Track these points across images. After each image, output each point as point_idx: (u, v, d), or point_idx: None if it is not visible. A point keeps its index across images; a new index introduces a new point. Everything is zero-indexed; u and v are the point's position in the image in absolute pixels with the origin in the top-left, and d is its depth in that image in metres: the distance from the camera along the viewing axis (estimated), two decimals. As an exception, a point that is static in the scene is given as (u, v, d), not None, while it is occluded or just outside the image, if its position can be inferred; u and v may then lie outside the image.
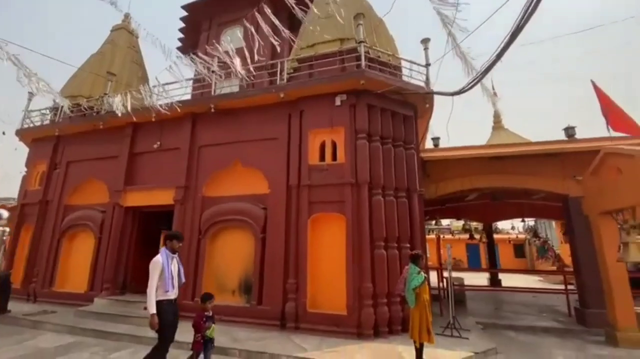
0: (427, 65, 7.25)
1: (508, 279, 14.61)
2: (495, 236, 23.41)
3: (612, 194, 5.69)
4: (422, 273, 4.56)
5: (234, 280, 7.01)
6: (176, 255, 3.98)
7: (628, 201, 5.30)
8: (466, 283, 10.76)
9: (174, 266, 3.90)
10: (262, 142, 7.31)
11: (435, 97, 7.24)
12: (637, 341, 5.55)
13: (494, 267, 15.41)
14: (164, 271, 3.73)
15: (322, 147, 6.85)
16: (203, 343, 3.92)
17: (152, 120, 8.06)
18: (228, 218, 7.16)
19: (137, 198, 8.33)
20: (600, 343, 6.01)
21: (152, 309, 3.61)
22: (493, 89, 12.85)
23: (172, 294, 3.80)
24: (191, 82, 8.99)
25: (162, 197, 7.96)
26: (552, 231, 21.66)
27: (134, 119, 8.01)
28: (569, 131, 7.59)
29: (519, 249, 24.87)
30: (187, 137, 7.99)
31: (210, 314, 4.07)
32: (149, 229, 8.96)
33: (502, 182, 7.93)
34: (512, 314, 8.21)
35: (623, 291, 5.79)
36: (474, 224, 20.77)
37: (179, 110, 7.38)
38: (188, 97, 8.52)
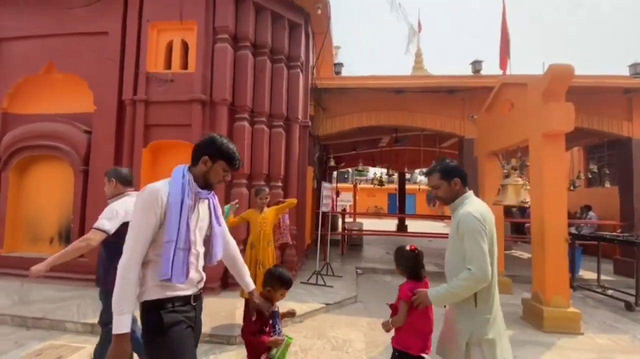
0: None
1: (418, 225, 15.14)
2: (413, 185, 24.74)
3: (502, 132, 5.10)
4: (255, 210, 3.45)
5: (53, 226, 5.26)
6: (212, 195, 1.59)
7: (514, 139, 4.72)
8: (382, 228, 10.66)
9: (199, 216, 1.52)
10: (87, 38, 5.13)
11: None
12: (500, 286, 5.43)
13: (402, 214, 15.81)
14: (169, 223, 1.39)
15: (170, 49, 5.01)
16: None
17: None
18: (37, 144, 5.11)
19: None
20: (467, 286, 5.90)
21: (120, 324, 1.31)
22: (419, 22, 11.82)
23: (188, 287, 1.48)
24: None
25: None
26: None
27: None
28: (476, 66, 6.88)
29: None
30: (-26, 21, 5.36)
31: (277, 309, 1.95)
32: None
33: (403, 120, 7.10)
34: (398, 259, 8.03)
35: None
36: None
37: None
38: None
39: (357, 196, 19.64)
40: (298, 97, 5.62)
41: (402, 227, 14.64)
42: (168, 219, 1.38)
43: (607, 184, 7.70)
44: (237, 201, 3.58)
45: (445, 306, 1.88)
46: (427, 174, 1.95)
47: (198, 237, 1.51)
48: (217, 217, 1.61)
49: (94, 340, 3.46)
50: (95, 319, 3.62)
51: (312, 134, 6.78)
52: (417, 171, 21.22)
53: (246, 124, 4.94)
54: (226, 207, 3.53)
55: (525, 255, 8.88)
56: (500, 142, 5.12)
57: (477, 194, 6.05)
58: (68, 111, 5.18)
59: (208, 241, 1.58)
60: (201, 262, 1.56)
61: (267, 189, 3.52)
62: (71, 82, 5.18)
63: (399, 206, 15.85)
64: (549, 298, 3.92)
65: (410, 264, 1.98)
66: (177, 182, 1.43)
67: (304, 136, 5.90)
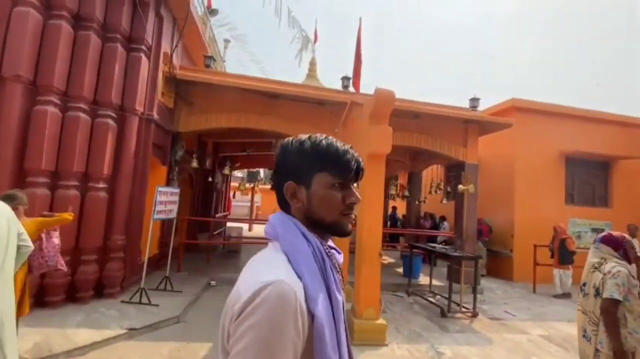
0: None
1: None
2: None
3: (348, 147, 5.28)
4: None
5: None
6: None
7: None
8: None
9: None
10: None
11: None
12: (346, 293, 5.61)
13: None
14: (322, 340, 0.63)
15: (-60, 0, 3.81)
16: None
17: None
18: None
19: None
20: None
21: None
22: (315, 32, 12.00)
23: None
24: None
25: None
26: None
27: None
28: (344, 82, 7.15)
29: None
30: None
31: None
32: None
33: (274, 126, 6.90)
34: (265, 267, 7.83)
35: (340, 245, 5.72)
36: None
37: None
38: None
39: (255, 199, 19.32)
40: (138, 85, 4.90)
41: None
42: (320, 353, 0.64)
43: (445, 201, 8.86)
44: None
45: None
46: None
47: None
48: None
49: None
50: None
51: (167, 129, 6.08)
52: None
53: (51, 108, 4.03)
54: None
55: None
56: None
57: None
58: None
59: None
60: None
61: (21, 196, 2.76)
62: None
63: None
64: (361, 311, 4.09)
65: None
66: (306, 257, 0.69)
67: (146, 130, 5.19)
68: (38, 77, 3.99)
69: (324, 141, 0.77)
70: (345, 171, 0.77)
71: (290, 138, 0.81)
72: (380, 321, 4.14)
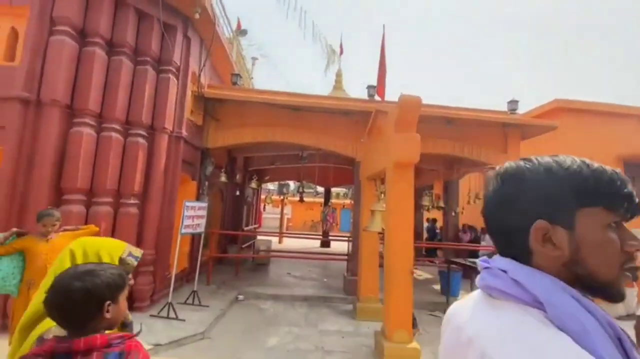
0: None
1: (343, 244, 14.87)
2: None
3: (374, 157, 5.06)
4: None
5: None
6: None
7: (380, 165, 4.66)
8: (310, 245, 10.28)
9: None
10: None
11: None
12: (372, 313, 5.30)
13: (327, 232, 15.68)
14: None
15: (-6, 36, 4.20)
16: None
17: None
18: None
19: None
20: (346, 313, 5.69)
21: None
22: (341, 45, 12.01)
23: None
24: None
25: None
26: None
27: None
28: (370, 91, 6.95)
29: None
30: None
31: None
32: None
33: (299, 138, 6.85)
34: (293, 280, 7.68)
35: (370, 260, 5.44)
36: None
37: None
38: None
39: (286, 211, 19.41)
40: (167, 105, 5.07)
41: (326, 245, 14.55)
42: None
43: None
44: (14, 229, 2.86)
45: None
46: None
47: None
48: None
49: None
50: None
51: (196, 146, 6.23)
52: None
53: (87, 130, 4.26)
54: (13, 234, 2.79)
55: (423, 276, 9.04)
56: (373, 167, 5.07)
57: (358, 218, 5.91)
58: None
59: None
60: None
61: (56, 213, 2.87)
62: None
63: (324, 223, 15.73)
64: (391, 332, 3.77)
65: None
66: (605, 341, 0.48)
67: (175, 147, 5.34)
68: (74, 101, 4.25)
69: (583, 166, 0.56)
70: (628, 206, 0.55)
71: (518, 162, 0.61)
72: (414, 344, 3.78)
